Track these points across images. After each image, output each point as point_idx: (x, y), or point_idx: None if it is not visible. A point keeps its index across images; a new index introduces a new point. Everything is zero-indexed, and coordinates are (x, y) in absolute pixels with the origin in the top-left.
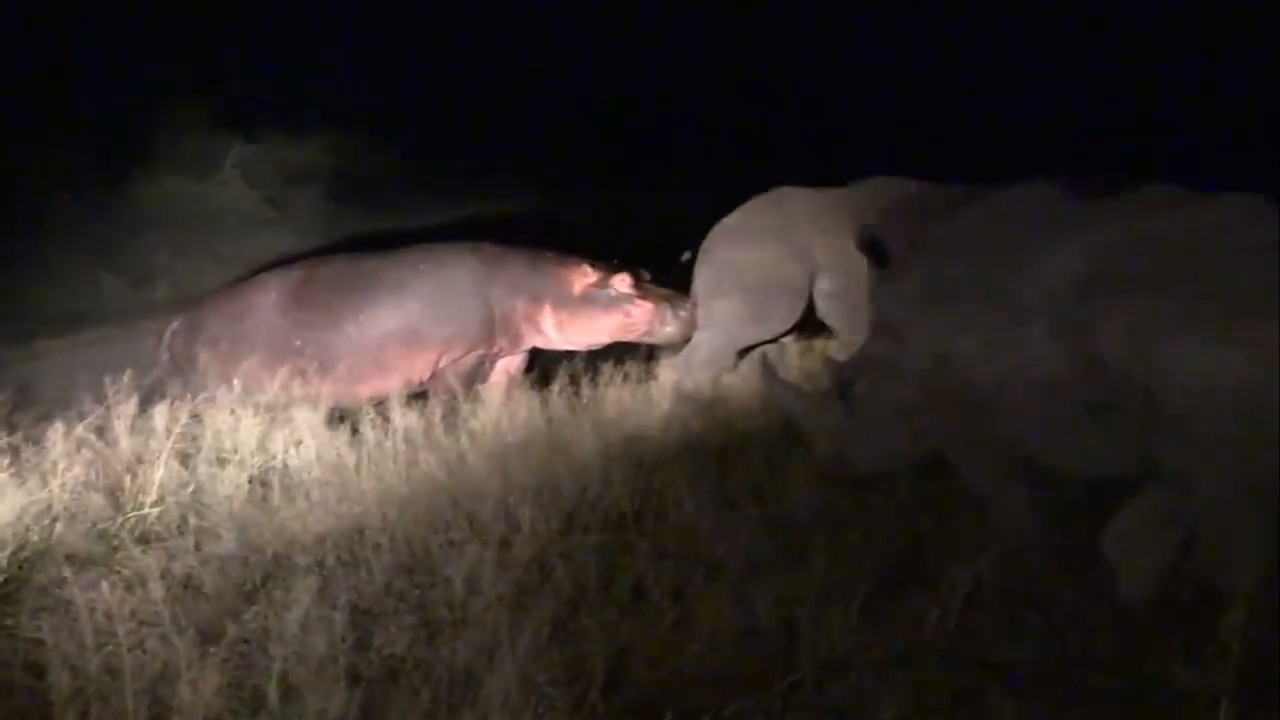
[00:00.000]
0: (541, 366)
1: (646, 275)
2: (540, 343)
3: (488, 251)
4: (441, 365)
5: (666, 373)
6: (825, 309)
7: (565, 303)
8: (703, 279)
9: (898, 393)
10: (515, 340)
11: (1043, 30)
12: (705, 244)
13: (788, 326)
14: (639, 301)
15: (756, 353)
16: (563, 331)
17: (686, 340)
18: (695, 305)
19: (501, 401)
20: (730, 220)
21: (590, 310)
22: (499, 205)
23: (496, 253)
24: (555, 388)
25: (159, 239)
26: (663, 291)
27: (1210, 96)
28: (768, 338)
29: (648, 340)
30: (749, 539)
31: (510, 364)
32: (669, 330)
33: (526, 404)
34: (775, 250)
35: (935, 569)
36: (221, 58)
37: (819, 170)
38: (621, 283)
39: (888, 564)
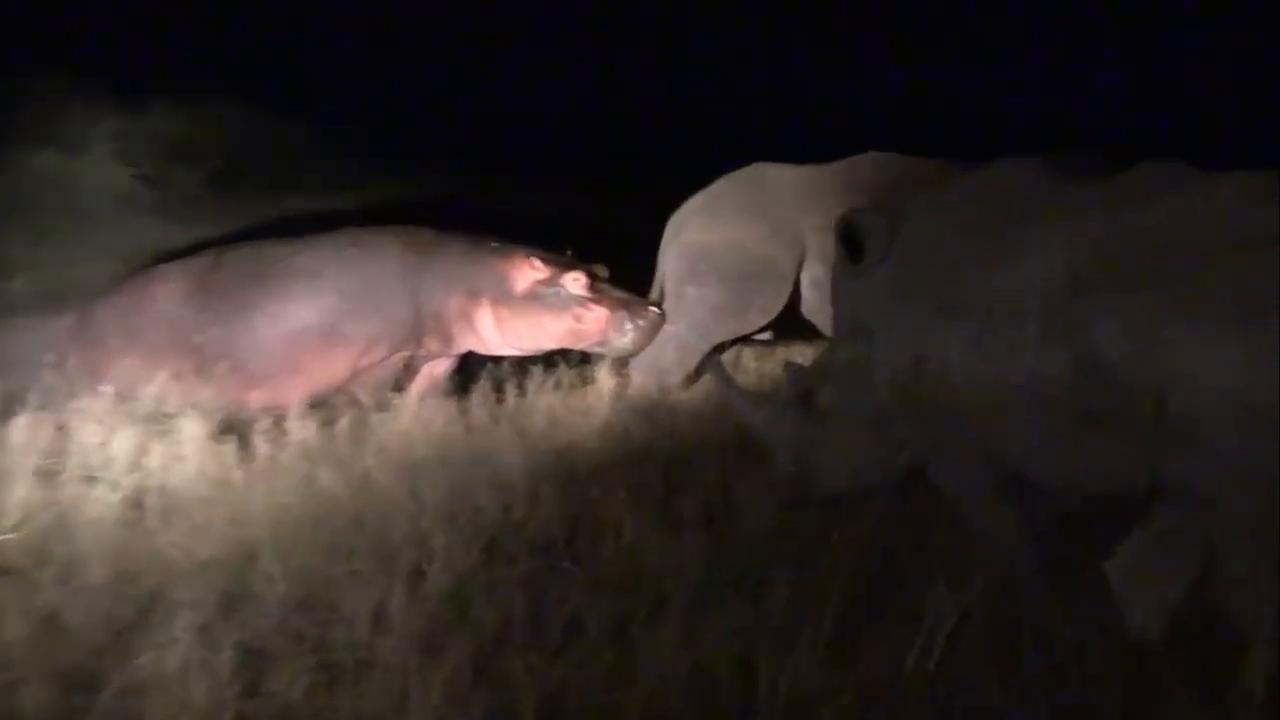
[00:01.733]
0: (460, 369)
1: (604, 274)
2: (476, 345)
3: (419, 238)
4: (361, 368)
5: (605, 376)
6: (812, 302)
7: (506, 300)
8: (671, 265)
9: (869, 401)
10: (447, 342)
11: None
12: (673, 225)
13: (769, 319)
14: (592, 305)
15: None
16: (502, 333)
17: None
18: (657, 311)
19: (415, 410)
20: (702, 197)
21: (535, 311)
22: (431, 188)
23: (428, 240)
24: (476, 393)
25: (18, 224)
26: (621, 295)
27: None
28: (747, 331)
29: (598, 351)
30: (699, 567)
31: (435, 368)
32: (624, 342)
33: (443, 412)
34: (757, 230)
35: (914, 599)
36: (92, 14)
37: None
38: (573, 282)
39: (859, 594)
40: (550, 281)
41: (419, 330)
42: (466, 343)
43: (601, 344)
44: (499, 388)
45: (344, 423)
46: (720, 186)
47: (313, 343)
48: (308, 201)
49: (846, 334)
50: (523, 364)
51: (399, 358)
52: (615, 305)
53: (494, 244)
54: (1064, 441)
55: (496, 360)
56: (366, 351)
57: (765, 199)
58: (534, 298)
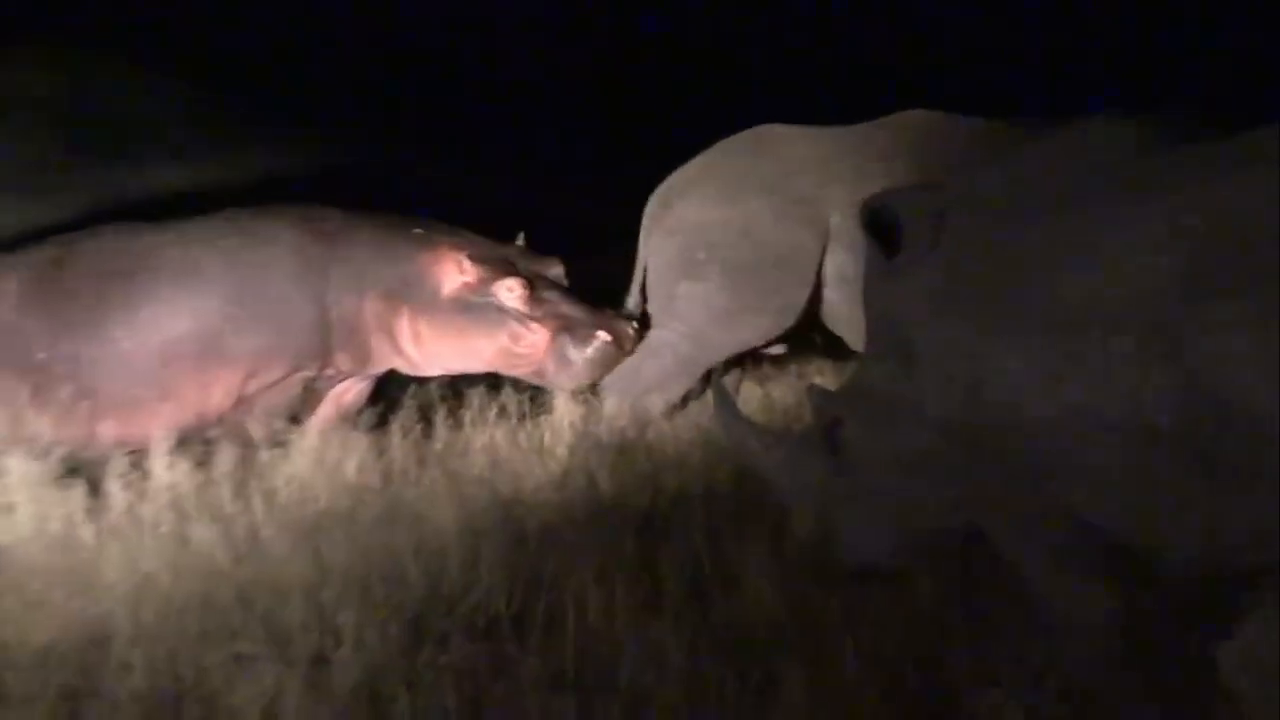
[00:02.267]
0: (377, 394)
1: (555, 272)
2: (398, 364)
3: (323, 223)
4: (249, 393)
5: (565, 404)
6: (837, 305)
7: (427, 309)
8: (658, 254)
9: (909, 439)
10: (360, 359)
11: None
12: (657, 201)
13: (787, 325)
14: (532, 325)
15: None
16: (420, 349)
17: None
18: (606, 339)
19: (317, 448)
20: (696, 166)
21: (460, 326)
22: (339, 155)
23: (336, 225)
24: (397, 426)
25: None
26: (570, 311)
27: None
28: (758, 343)
29: (536, 381)
30: (684, 659)
31: (345, 394)
32: (563, 376)
33: (354, 451)
34: (769, 207)
35: (966, 703)
36: None
37: None
38: (507, 292)
39: (893, 700)
40: (479, 288)
41: (324, 344)
42: (385, 360)
43: (540, 375)
44: (426, 418)
45: (225, 464)
46: (718, 153)
47: (186, 360)
48: (181, 172)
49: (880, 350)
50: (457, 386)
51: (298, 380)
52: (557, 327)
53: (417, 230)
54: (1171, 496)
55: (423, 382)
56: (256, 371)
57: (777, 168)
58: (460, 308)
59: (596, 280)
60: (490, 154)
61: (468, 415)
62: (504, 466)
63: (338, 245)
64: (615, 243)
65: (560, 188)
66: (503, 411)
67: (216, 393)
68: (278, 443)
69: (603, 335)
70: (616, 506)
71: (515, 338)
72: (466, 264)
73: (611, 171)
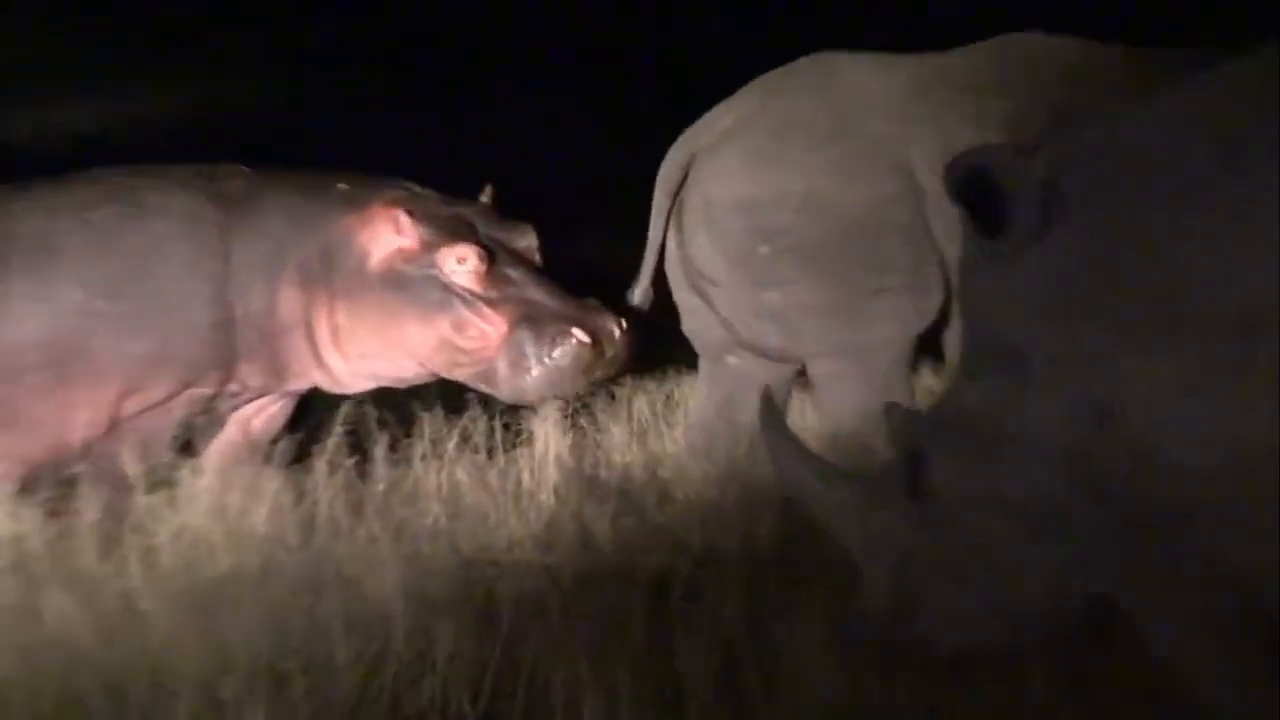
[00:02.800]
0: (297, 418)
1: (529, 249)
2: (319, 376)
3: (228, 183)
4: (124, 417)
5: (548, 429)
6: None
7: (349, 287)
8: (696, 249)
9: (1018, 480)
10: (275, 369)
11: None
12: (677, 162)
13: (938, 293)
14: (484, 310)
15: (724, 395)
16: (340, 347)
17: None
18: (581, 340)
19: (216, 490)
20: (728, 115)
21: (389, 304)
22: (251, 91)
23: (244, 186)
24: (324, 462)
25: None
26: (541, 298)
27: None
28: (922, 326)
29: (480, 387)
30: None
31: (254, 419)
32: (521, 384)
33: (266, 495)
34: (832, 158)
35: None
36: None
37: None
38: (457, 261)
39: None
40: (419, 256)
41: (226, 350)
42: (306, 372)
43: (486, 378)
44: (363, 450)
45: (90, 512)
46: (756, 94)
47: (38, 373)
48: (47, 114)
49: (979, 363)
50: (406, 407)
51: (190, 399)
52: (517, 316)
53: (342, 185)
54: None
55: (360, 401)
56: (133, 388)
57: (837, 107)
58: (391, 283)
59: (587, 263)
60: (449, 100)
61: (419, 446)
62: (467, 516)
63: (244, 213)
64: (615, 213)
65: (540, 140)
66: (466, 441)
67: (80, 417)
68: (162, 483)
69: (577, 334)
70: (619, 571)
71: (460, 326)
72: (404, 221)
73: (607, 120)
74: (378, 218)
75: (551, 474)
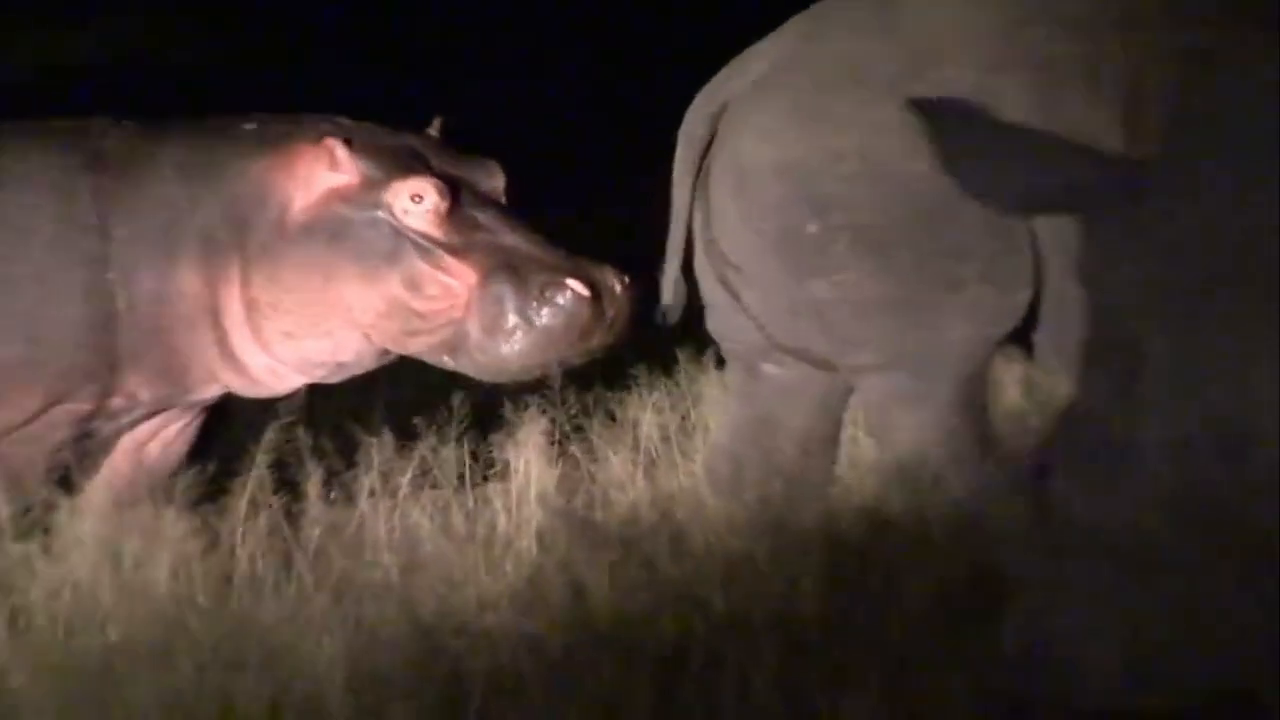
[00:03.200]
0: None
1: (494, 190)
2: (234, 379)
3: (105, 140)
4: None
5: (538, 456)
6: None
7: (268, 244)
8: (726, 228)
9: (1146, 501)
10: (172, 375)
11: None
12: (702, 117)
13: (1028, 283)
14: (448, 260)
15: (758, 413)
16: (257, 324)
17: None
18: (578, 289)
19: (104, 535)
20: (763, 59)
21: (324, 257)
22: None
23: (125, 142)
24: (244, 500)
25: None
26: (518, 244)
27: None
28: (1006, 327)
29: (448, 364)
30: None
31: (149, 442)
32: (501, 352)
33: (170, 541)
34: (894, 114)
35: None
36: None
37: None
38: (413, 199)
39: None
40: (361, 195)
41: (107, 354)
42: (212, 375)
43: (452, 347)
44: (291, 483)
45: None
46: (810, 29)
47: None
48: None
49: (1098, 363)
50: (345, 429)
51: (64, 418)
52: (491, 265)
53: (249, 125)
54: None
55: (293, 423)
56: None
57: (913, 48)
58: (325, 232)
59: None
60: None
61: (364, 480)
62: (426, 569)
63: (128, 177)
64: (617, 182)
65: (528, 101)
66: (424, 474)
67: None
68: (33, 527)
69: (572, 284)
70: (621, 639)
71: (416, 281)
72: (340, 153)
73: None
74: (303, 156)
75: (534, 515)
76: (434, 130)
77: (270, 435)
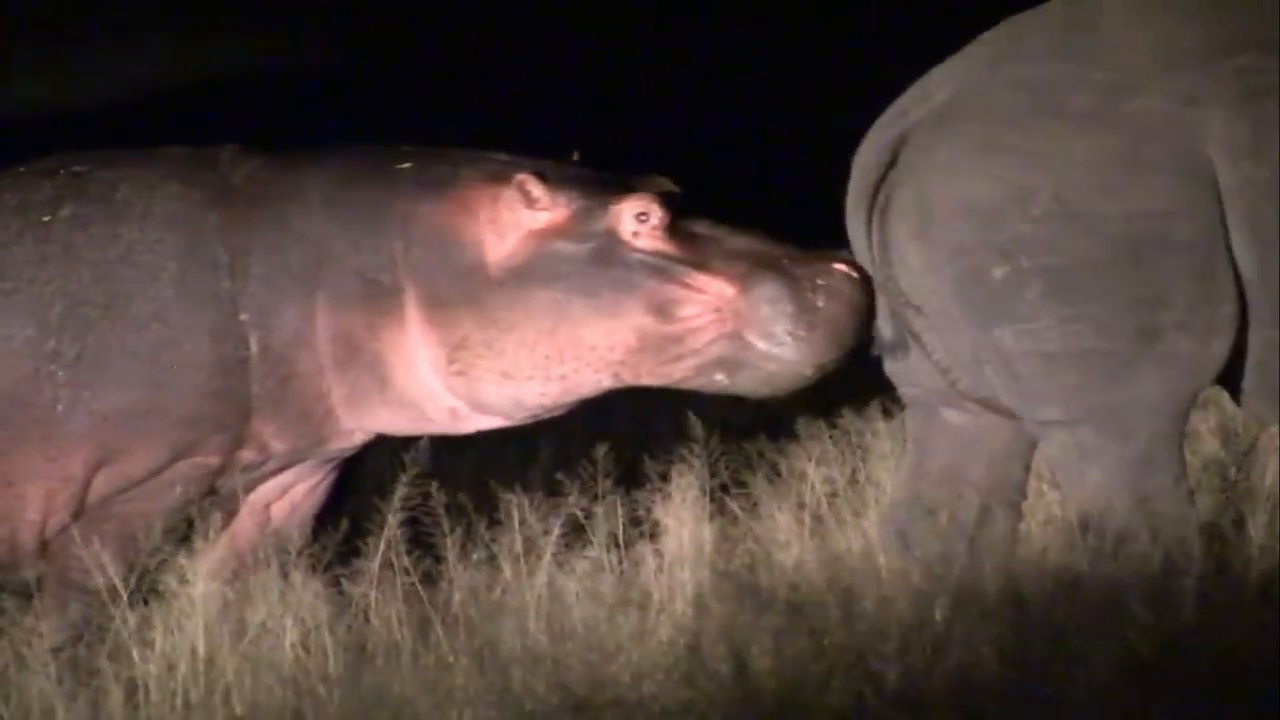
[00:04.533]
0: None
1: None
2: (388, 420)
3: (236, 171)
4: (96, 498)
5: (693, 519)
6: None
7: (465, 290)
8: (906, 268)
9: None
10: (309, 425)
11: None
12: (880, 147)
13: (1227, 339)
14: (696, 276)
15: (940, 464)
16: (473, 366)
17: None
18: (847, 270)
19: (228, 600)
20: (946, 85)
21: (547, 301)
22: (290, 47)
23: (258, 173)
24: (376, 563)
25: None
26: (751, 245)
27: None
28: (1203, 383)
29: (724, 387)
30: None
31: (273, 505)
32: (796, 352)
33: (298, 609)
34: (1100, 146)
35: None
36: None
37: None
38: (638, 219)
39: None
40: (576, 225)
41: (237, 403)
42: (369, 421)
43: (728, 366)
44: (428, 545)
45: (52, 636)
46: (1000, 51)
47: None
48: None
49: None
50: (486, 485)
51: (188, 472)
52: (746, 270)
53: (405, 161)
54: None
55: (419, 477)
56: (108, 458)
57: (1111, 75)
58: (539, 273)
59: None
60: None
61: (506, 541)
62: (578, 635)
63: (262, 211)
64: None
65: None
66: (573, 535)
67: (32, 500)
68: (151, 593)
69: (842, 267)
70: (788, 712)
71: (666, 306)
72: (535, 188)
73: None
74: (481, 198)
75: (690, 579)
76: (576, 156)
77: (403, 491)
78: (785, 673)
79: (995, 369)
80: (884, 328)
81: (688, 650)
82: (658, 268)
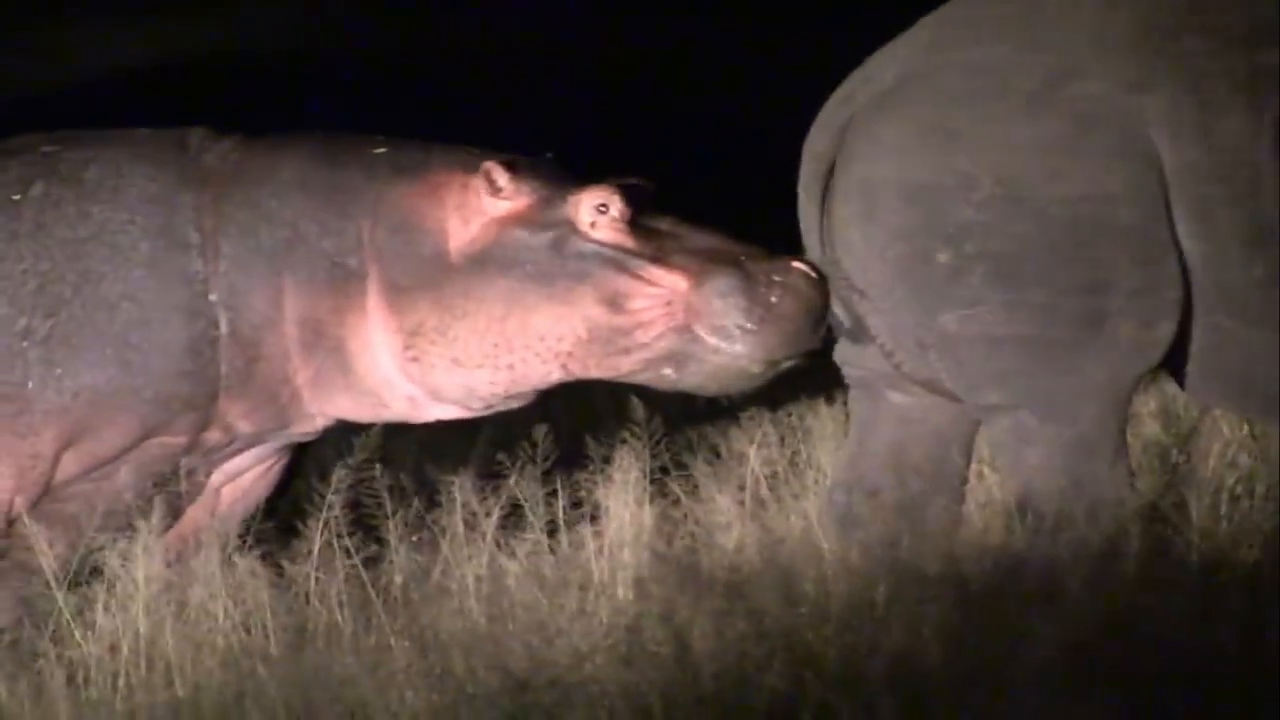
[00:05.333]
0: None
1: (643, 191)
2: (349, 406)
3: (208, 152)
4: (62, 478)
5: (634, 499)
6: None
7: (431, 280)
8: (847, 239)
9: None
10: (273, 408)
11: None
12: (828, 130)
13: (1169, 325)
14: (651, 269)
15: (883, 446)
16: (426, 353)
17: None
18: (804, 268)
19: (172, 584)
20: (892, 61)
21: (504, 289)
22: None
23: (231, 154)
24: (317, 546)
25: None
26: (709, 241)
27: None
28: (1143, 369)
29: (672, 383)
30: None
31: (222, 489)
32: (746, 349)
33: (240, 589)
34: (1046, 130)
35: None
36: None
37: None
38: (598, 210)
39: None
40: (536, 214)
41: (208, 380)
42: (329, 406)
43: (676, 360)
44: (370, 528)
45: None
46: (941, 35)
47: None
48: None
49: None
50: (423, 470)
51: (155, 452)
52: (701, 265)
53: (380, 147)
54: None
55: (365, 462)
56: (76, 436)
57: (1053, 59)
58: (497, 261)
59: None
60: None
61: (448, 523)
62: (518, 617)
63: (235, 192)
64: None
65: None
66: (514, 516)
67: (2, 477)
68: (93, 575)
69: (799, 265)
70: (726, 694)
71: (618, 298)
72: (501, 176)
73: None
74: (449, 184)
75: (631, 561)
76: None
77: (344, 474)
78: (725, 655)
79: (938, 353)
80: (835, 311)
81: (628, 632)
82: (612, 259)
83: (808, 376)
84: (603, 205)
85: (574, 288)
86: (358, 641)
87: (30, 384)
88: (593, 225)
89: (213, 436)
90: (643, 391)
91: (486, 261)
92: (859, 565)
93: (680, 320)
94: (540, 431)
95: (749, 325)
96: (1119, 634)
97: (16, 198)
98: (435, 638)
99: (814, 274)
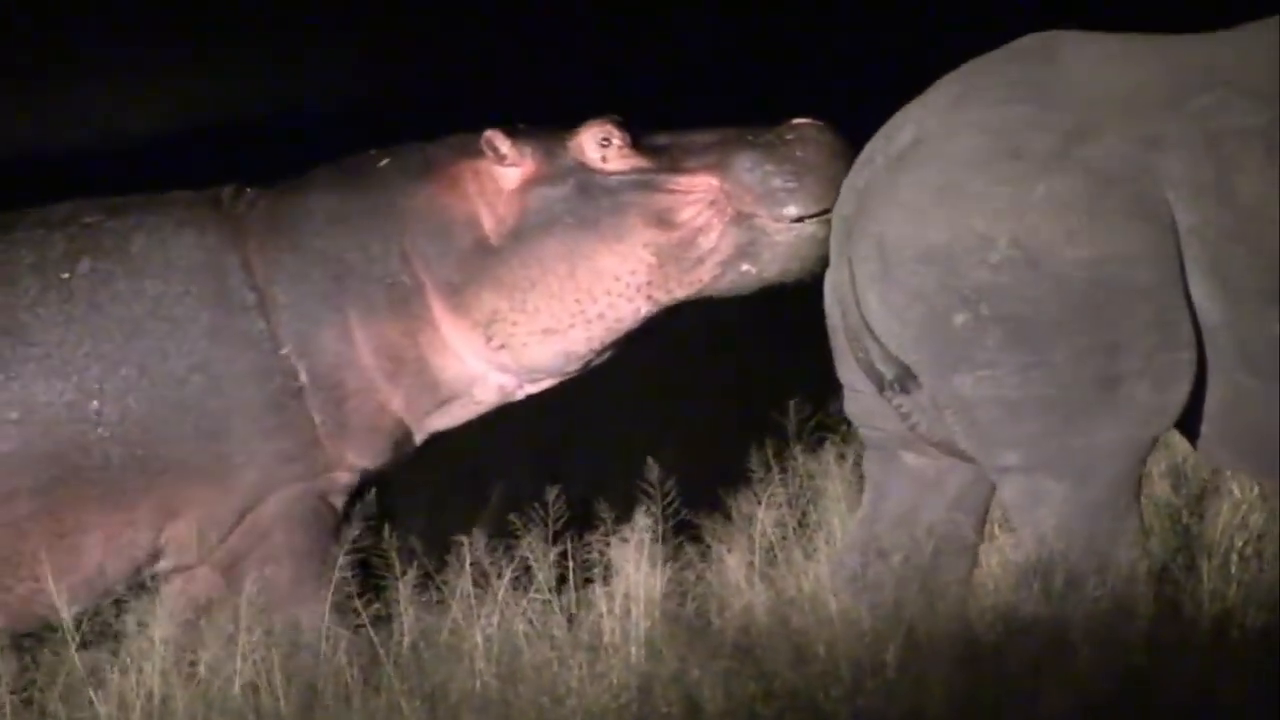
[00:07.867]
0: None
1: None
2: (443, 419)
3: (242, 205)
4: (175, 546)
5: (643, 560)
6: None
7: (482, 269)
8: (865, 298)
9: None
10: (380, 437)
11: None
12: (853, 195)
13: (1185, 385)
14: (677, 179)
15: (898, 507)
16: (512, 336)
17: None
18: (818, 125)
19: (181, 643)
20: (915, 119)
21: (559, 251)
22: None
23: (265, 204)
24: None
25: None
26: (708, 138)
27: None
28: (1159, 431)
29: (748, 274)
30: None
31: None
32: (794, 205)
33: (250, 650)
34: (1065, 191)
35: None
36: None
37: None
38: (600, 143)
39: None
40: (548, 169)
41: (300, 435)
42: (422, 424)
43: (746, 251)
44: (377, 587)
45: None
46: (960, 94)
47: (35, 497)
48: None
49: None
50: (438, 523)
51: (298, 508)
52: (713, 154)
53: (383, 160)
54: None
55: (371, 521)
56: (175, 510)
57: (1070, 119)
58: (536, 227)
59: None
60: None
61: (457, 582)
62: (528, 678)
63: (275, 241)
64: None
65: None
66: (525, 577)
67: (89, 549)
68: (101, 635)
69: (801, 121)
70: None
71: (664, 216)
72: (502, 141)
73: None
74: (462, 173)
75: (641, 621)
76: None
77: (354, 533)
78: (736, 715)
79: (954, 414)
80: (847, 372)
81: (639, 693)
82: (639, 183)
83: (818, 436)
84: (604, 139)
85: (620, 222)
86: (367, 702)
87: (112, 466)
88: (604, 160)
89: (341, 478)
90: (657, 450)
91: (525, 231)
92: (870, 626)
93: (731, 213)
94: (551, 492)
95: (789, 184)
96: (1130, 696)
97: (66, 275)
98: (445, 698)
99: (821, 122)
